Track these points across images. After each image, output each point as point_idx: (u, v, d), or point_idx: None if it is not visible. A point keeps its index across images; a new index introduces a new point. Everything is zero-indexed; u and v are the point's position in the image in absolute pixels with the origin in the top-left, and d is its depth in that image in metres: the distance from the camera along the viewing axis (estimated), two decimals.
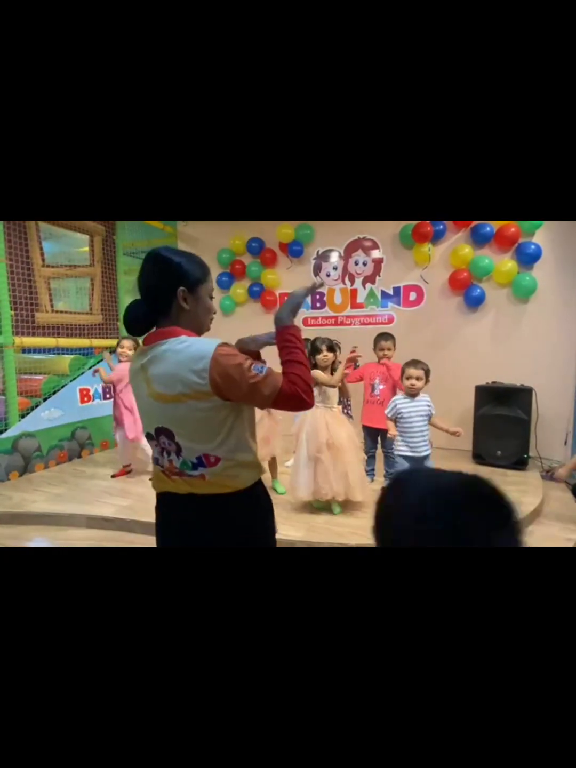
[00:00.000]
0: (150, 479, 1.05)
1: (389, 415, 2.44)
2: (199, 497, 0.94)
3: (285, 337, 0.94)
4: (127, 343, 3.11)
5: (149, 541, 1.10)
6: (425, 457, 2.41)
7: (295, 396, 0.86)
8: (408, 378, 2.36)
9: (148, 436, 0.96)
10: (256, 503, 0.99)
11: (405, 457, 2.41)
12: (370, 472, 2.93)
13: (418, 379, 2.34)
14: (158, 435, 0.93)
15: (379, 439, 2.94)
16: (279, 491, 2.79)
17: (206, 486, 0.93)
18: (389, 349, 2.91)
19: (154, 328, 0.95)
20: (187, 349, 0.88)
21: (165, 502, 1.02)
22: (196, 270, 0.94)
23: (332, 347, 2.46)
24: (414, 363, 2.39)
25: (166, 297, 0.92)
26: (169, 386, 0.87)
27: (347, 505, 2.53)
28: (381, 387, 2.92)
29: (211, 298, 0.99)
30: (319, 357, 2.42)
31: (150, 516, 1.12)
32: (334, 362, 2.48)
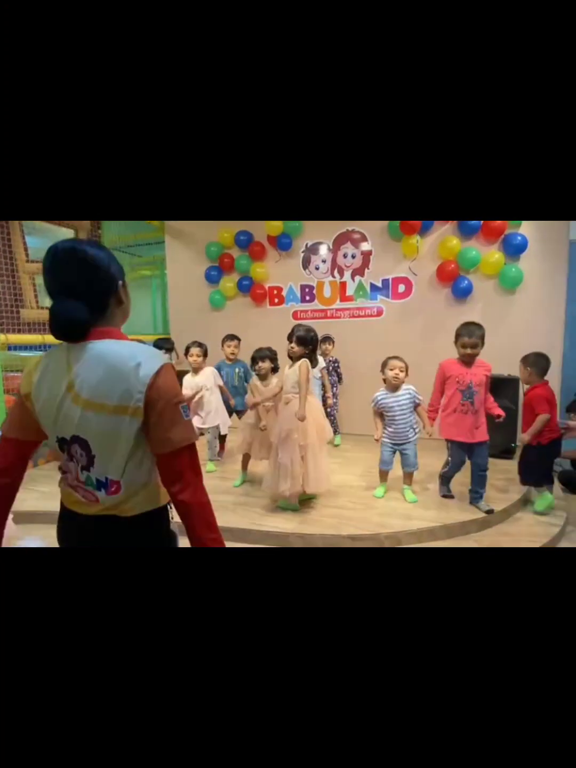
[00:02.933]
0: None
1: (373, 408, 2.52)
2: (97, 518, 0.87)
3: None
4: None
5: None
6: (404, 443, 2.50)
7: (193, 469, 0.84)
8: (392, 369, 2.43)
9: (61, 441, 0.86)
10: (146, 531, 0.90)
11: (390, 443, 2.52)
12: (448, 493, 2.58)
13: (401, 370, 2.42)
14: (72, 443, 0.84)
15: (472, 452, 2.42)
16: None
17: (102, 509, 0.87)
18: (474, 347, 2.36)
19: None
20: (131, 357, 0.80)
21: (76, 521, 0.90)
22: (119, 264, 0.89)
23: (303, 340, 2.33)
24: (394, 357, 2.47)
25: (106, 295, 0.85)
26: (101, 394, 0.79)
27: (339, 498, 2.56)
28: (477, 392, 2.34)
29: None
30: (288, 348, 2.40)
31: None
32: (306, 355, 2.37)
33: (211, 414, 3.07)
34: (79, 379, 0.81)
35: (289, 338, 2.39)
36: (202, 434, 3.22)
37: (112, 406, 0.79)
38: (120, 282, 0.87)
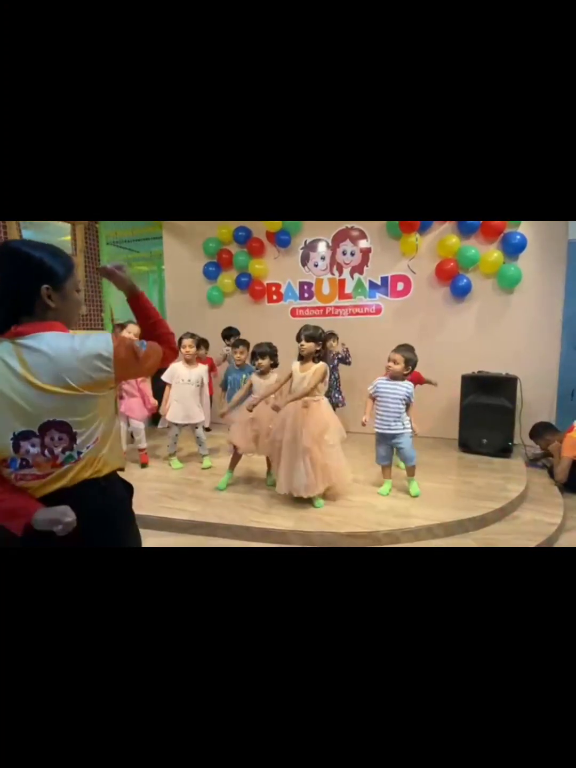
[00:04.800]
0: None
1: (370, 392, 2.61)
2: (69, 489, 0.89)
3: (142, 301, 1.05)
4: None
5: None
6: (394, 435, 2.54)
7: (173, 351, 1.07)
8: (388, 360, 2.55)
9: (23, 436, 0.85)
10: (111, 493, 0.97)
11: (379, 434, 2.59)
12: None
13: (395, 362, 2.51)
14: (46, 431, 0.85)
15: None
16: (268, 484, 2.78)
17: (80, 471, 0.90)
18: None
19: (13, 326, 0.87)
20: (84, 342, 0.88)
21: None
22: (60, 265, 0.90)
23: (313, 337, 2.38)
24: (397, 348, 2.56)
25: (28, 296, 0.87)
26: (68, 377, 0.84)
27: (334, 496, 2.56)
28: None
29: (78, 291, 0.96)
30: (298, 347, 2.39)
31: (140, 508, 1.10)
32: (318, 352, 2.43)
33: (194, 410, 3.05)
34: (41, 372, 0.84)
35: (298, 338, 2.40)
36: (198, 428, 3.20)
37: (89, 384, 0.87)
38: (44, 286, 0.88)
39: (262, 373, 2.67)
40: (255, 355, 2.67)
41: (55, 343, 0.86)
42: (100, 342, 0.89)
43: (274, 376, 2.65)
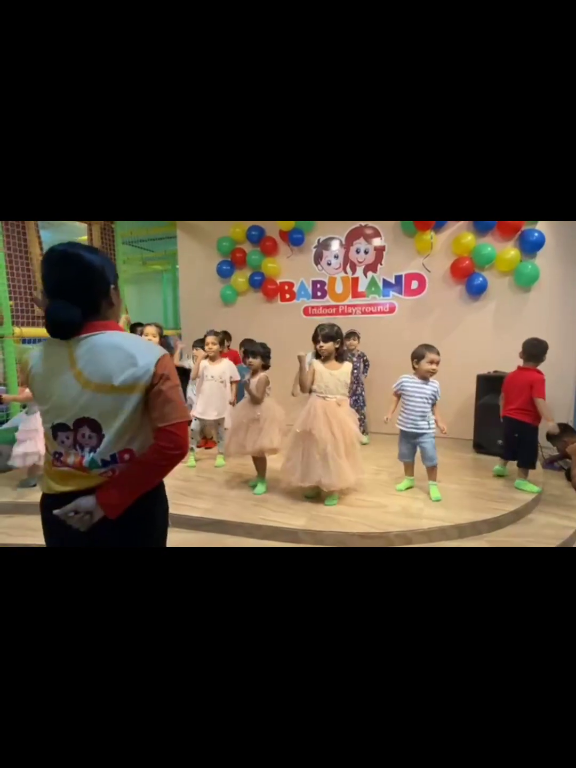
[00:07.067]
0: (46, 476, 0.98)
1: (394, 389, 2.59)
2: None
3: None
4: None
5: None
6: (419, 435, 2.52)
7: (180, 444, 0.91)
8: (431, 362, 2.47)
9: (59, 428, 0.92)
10: (156, 499, 1.00)
11: (402, 432, 2.58)
12: None
13: (438, 364, 2.47)
14: (78, 426, 0.91)
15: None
16: (256, 491, 2.66)
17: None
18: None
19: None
20: (137, 343, 0.92)
21: (62, 502, 0.93)
22: (113, 266, 0.97)
23: (331, 336, 2.37)
24: (430, 347, 2.50)
25: (99, 296, 0.93)
26: (112, 376, 0.87)
27: (348, 495, 2.55)
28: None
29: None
30: (317, 347, 2.40)
31: None
32: (337, 349, 2.41)
33: (213, 406, 3.07)
34: (88, 368, 0.88)
35: (315, 339, 2.40)
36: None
37: (128, 386, 0.87)
38: (112, 286, 0.95)
39: (253, 373, 2.62)
40: (247, 354, 2.65)
41: (110, 340, 0.90)
42: (151, 347, 0.93)
43: (262, 377, 2.58)
